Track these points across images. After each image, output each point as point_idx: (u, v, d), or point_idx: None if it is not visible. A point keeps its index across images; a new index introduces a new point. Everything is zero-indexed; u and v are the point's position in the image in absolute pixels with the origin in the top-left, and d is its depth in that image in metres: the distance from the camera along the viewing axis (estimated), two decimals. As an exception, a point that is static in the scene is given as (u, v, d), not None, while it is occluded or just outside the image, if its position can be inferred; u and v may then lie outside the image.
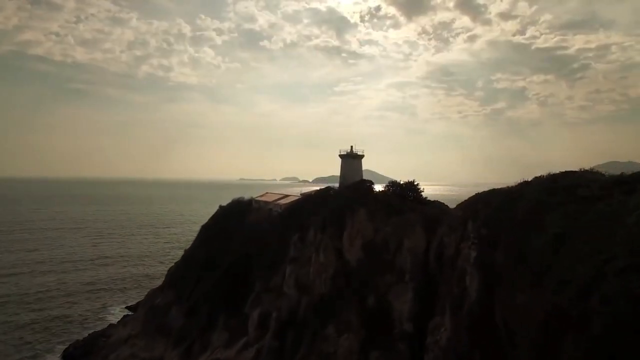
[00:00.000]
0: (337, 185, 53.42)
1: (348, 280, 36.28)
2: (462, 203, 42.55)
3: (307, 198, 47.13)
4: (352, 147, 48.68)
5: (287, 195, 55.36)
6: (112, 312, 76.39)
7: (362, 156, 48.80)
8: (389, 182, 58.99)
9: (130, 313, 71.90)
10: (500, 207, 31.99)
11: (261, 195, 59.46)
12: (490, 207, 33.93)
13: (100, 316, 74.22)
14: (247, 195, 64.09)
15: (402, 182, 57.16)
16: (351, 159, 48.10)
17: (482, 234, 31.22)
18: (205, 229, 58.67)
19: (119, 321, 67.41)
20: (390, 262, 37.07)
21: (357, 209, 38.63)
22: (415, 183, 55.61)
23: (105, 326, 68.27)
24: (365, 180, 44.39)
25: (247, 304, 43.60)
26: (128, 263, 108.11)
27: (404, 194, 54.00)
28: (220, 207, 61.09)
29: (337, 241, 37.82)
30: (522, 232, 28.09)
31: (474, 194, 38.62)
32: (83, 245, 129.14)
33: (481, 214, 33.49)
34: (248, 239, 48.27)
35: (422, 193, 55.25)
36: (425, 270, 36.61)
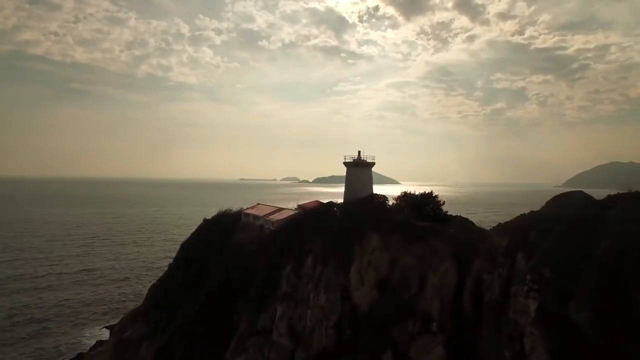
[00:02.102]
0: (339, 197, 44.91)
1: (357, 330, 27.60)
2: (501, 226, 33.93)
3: (304, 215, 38.50)
4: (359, 152, 39.91)
5: (281, 209, 46.72)
6: (89, 335, 67.97)
7: (372, 164, 39.99)
8: (401, 193, 50.30)
9: (105, 339, 63.56)
10: (568, 240, 23.41)
11: (251, 208, 50.86)
12: (548, 236, 25.34)
13: (75, 340, 65.77)
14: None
15: (417, 193, 48.53)
16: (359, 168, 39.25)
17: (543, 276, 22.60)
18: (185, 247, 50.06)
19: (89, 350, 59.20)
20: (412, 304, 28.44)
21: (368, 234, 29.98)
22: (435, 195, 46.96)
23: (76, 354, 60.45)
24: (377, 194, 35.66)
25: (229, 348, 34.93)
26: (116, 276, 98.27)
27: (421, 208, 45.43)
28: (204, 220, 52.45)
29: (343, 276, 29.16)
30: (616, 281, 19.54)
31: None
32: (70, 255, 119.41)
33: (538, 247, 24.92)
34: (233, 263, 39.65)
35: (443, 207, 46.79)
36: (458, 316, 28.11)
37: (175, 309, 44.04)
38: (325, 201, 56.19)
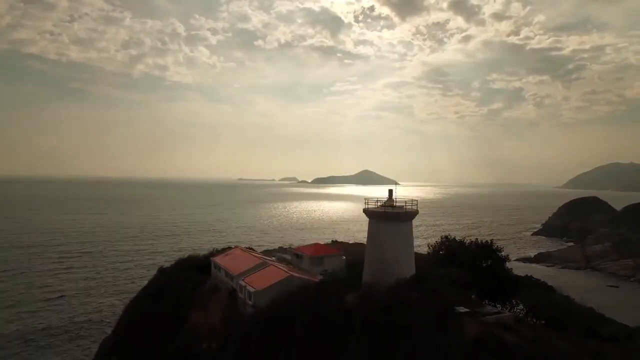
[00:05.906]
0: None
1: None
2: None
3: (301, 294, 23.15)
4: (391, 192, 23.85)
5: (264, 262, 31.50)
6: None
7: (414, 214, 23.64)
8: (442, 238, 35.09)
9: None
10: None
11: (225, 255, 35.67)
12: None
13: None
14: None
15: (468, 242, 33.38)
16: (392, 224, 22.77)
17: None
18: (129, 313, 34.70)
19: None
20: None
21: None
22: (495, 246, 31.81)
23: None
24: (428, 274, 20.05)
25: None
26: (68, 327, 67.23)
27: (474, 263, 30.52)
28: (159, 271, 37.29)
29: None
30: None
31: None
32: (37, 280, 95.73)
33: None
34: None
35: (507, 261, 31.67)
36: None
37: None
38: (325, 242, 41.38)
